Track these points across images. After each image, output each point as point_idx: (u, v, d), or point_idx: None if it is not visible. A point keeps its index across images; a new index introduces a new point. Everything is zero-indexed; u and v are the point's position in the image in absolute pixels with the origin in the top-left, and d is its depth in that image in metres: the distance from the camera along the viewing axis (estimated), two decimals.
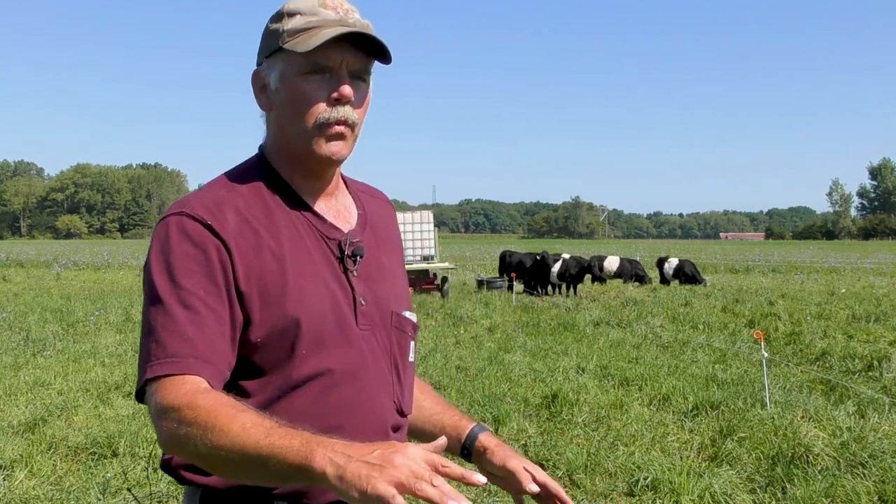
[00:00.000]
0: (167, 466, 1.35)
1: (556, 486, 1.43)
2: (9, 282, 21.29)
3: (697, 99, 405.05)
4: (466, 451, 1.54)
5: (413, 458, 0.99)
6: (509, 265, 19.23)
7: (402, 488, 0.96)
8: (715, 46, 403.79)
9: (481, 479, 1.02)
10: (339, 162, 1.39)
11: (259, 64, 1.41)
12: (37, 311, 13.08)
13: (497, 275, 20.04)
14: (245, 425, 1.10)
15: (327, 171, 1.41)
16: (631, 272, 21.14)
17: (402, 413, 1.42)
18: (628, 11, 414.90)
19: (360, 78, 1.36)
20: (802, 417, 5.66)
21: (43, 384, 7.08)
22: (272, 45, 1.36)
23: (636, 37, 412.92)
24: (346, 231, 1.41)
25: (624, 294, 17.60)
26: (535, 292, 18.04)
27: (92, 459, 4.93)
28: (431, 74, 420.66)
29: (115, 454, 4.96)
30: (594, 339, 10.11)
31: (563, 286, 18.57)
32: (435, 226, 17.86)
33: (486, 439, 1.53)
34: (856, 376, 7.68)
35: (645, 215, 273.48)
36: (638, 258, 26.57)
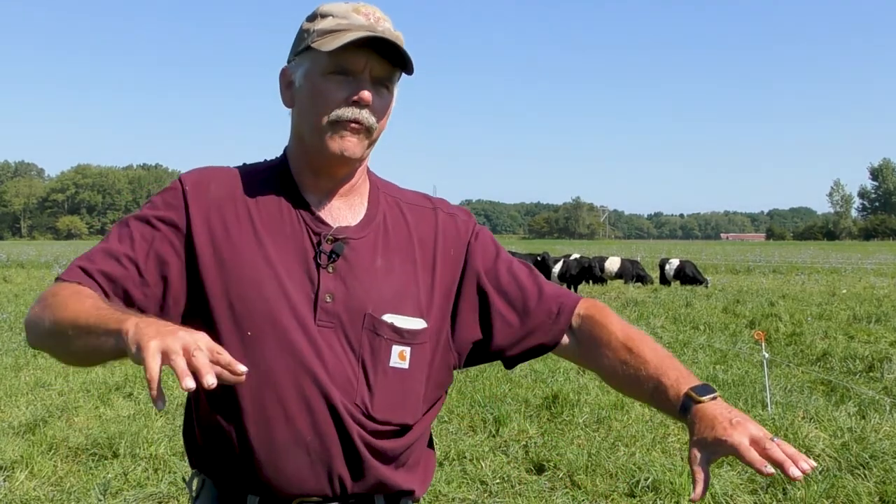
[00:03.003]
0: (188, 444, 1.45)
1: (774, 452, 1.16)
2: (9, 282, 21.27)
3: (698, 99, 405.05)
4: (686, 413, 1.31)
5: (195, 337, 1.08)
6: None
7: (165, 356, 1.05)
8: (716, 46, 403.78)
9: (242, 368, 1.10)
10: (350, 160, 1.38)
11: (289, 61, 1.44)
12: None
13: None
14: (86, 303, 1.23)
15: (338, 170, 1.41)
16: (632, 273, 21.13)
17: (370, 416, 1.36)
18: (628, 12, 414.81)
19: (382, 85, 1.37)
20: (803, 418, 5.66)
21: (43, 385, 7.08)
22: (302, 43, 1.39)
23: (636, 37, 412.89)
24: (334, 227, 1.41)
25: (625, 295, 17.59)
26: None
27: (92, 460, 4.92)
28: (432, 74, 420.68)
29: (115, 455, 4.96)
30: None
31: (564, 287, 18.55)
32: None
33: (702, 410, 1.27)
34: (857, 377, 7.67)
35: (646, 216, 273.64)
36: (639, 258, 26.56)
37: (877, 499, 4.19)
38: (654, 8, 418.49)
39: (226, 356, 1.09)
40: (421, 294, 1.44)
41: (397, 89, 1.42)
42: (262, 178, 1.44)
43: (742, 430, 1.19)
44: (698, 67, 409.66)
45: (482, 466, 4.75)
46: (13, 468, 4.69)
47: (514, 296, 1.50)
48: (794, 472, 1.14)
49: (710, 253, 51.54)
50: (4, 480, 4.52)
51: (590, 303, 1.52)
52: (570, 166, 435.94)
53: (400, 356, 1.39)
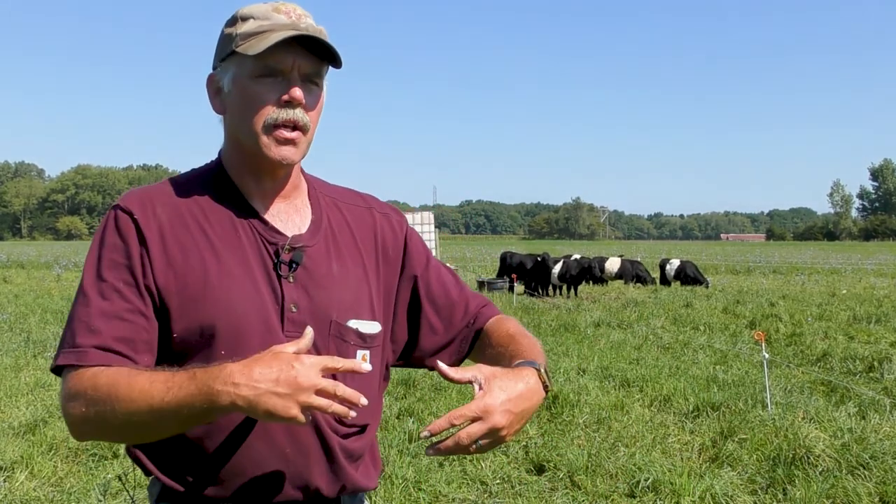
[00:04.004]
0: (134, 457, 1.39)
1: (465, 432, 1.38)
2: (9, 283, 21.29)
3: (698, 99, 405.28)
4: None
5: (312, 367, 1.13)
6: (510, 266, 19.22)
7: (309, 410, 1.13)
8: (716, 47, 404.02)
9: (367, 367, 1.21)
10: (289, 166, 1.40)
11: (214, 68, 1.42)
12: (37, 312, 13.07)
13: (497, 276, 20.04)
14: (143, 388, 1.18)
15: (279, 172, 1.42)
16: (632, 273, 21.13)
17: (341, 421, 1.38)
18: (628, 12, 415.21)
19: (311, 81, 1.38)
20: (803, 418, 5.66)
21: (44, 385, 7.08)
22: (226, 48, 1.38)
23: (637, 37, 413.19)
24: (289, 236, 1.40)
25: (625, 295, 17.58)
26: (535, 294, 18.03)
27: (92, 461, 4.93)
28: (432, 75, 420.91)
29: (115, 455, 4.96)
30: (595, 341, 10.10)
31: (564, 287, 18.57)
32: (436, 227, 17.87)
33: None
34: (857, 377, 7.67)
35: (646, 216, 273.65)
36: (639, 258, 26.55)
37: (877, 499, 4.19)
38: (653, 10, 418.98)
39: (344, 362, 1.19)
40: (373, 297, 1.48)
41: (326, 83, 1.42)
42: (203, 190, 1.41)
43: (488, 397, 1.43)
44: (698, 68, 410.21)
45: (482, 467, 4.76)
46: (13, 468, 4.69)
47: (441, 304, 1.57)
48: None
49: (710, 253, 51.55)
50: (4, 481, 4.52)
51: (499, 315, 1.62)
52: (570, 167, 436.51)
53: (363, 360, 1.43)
